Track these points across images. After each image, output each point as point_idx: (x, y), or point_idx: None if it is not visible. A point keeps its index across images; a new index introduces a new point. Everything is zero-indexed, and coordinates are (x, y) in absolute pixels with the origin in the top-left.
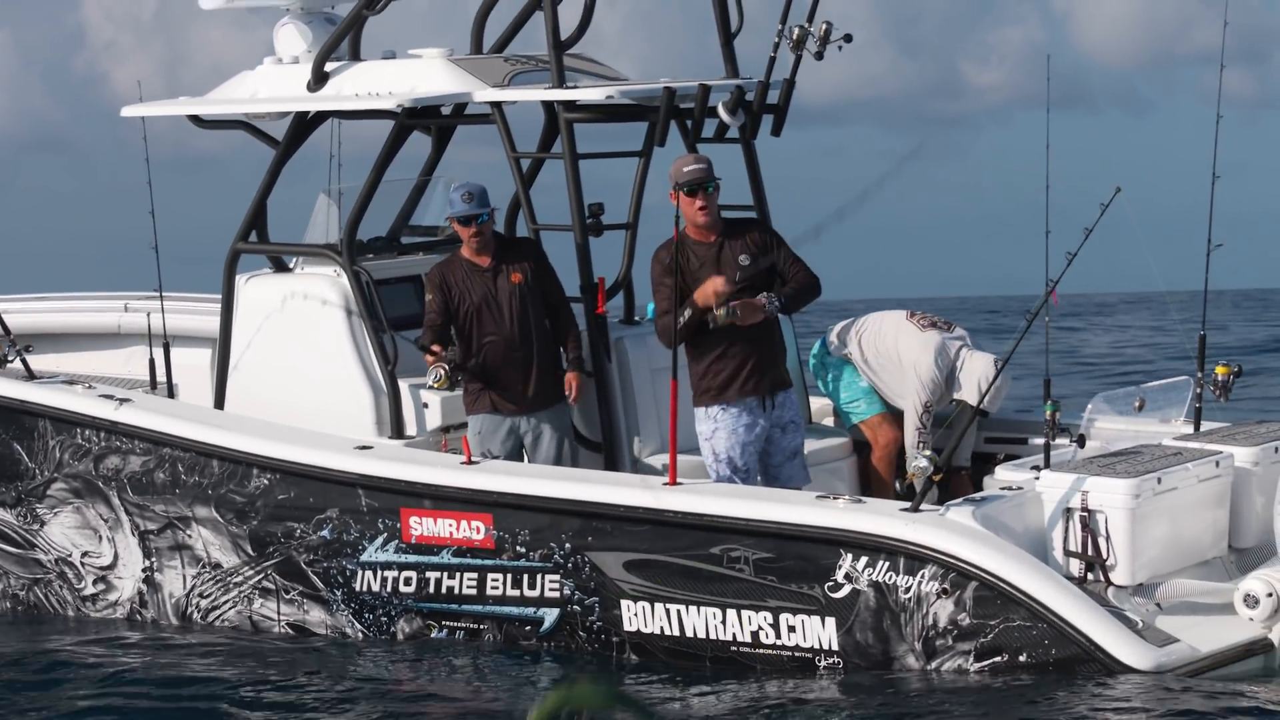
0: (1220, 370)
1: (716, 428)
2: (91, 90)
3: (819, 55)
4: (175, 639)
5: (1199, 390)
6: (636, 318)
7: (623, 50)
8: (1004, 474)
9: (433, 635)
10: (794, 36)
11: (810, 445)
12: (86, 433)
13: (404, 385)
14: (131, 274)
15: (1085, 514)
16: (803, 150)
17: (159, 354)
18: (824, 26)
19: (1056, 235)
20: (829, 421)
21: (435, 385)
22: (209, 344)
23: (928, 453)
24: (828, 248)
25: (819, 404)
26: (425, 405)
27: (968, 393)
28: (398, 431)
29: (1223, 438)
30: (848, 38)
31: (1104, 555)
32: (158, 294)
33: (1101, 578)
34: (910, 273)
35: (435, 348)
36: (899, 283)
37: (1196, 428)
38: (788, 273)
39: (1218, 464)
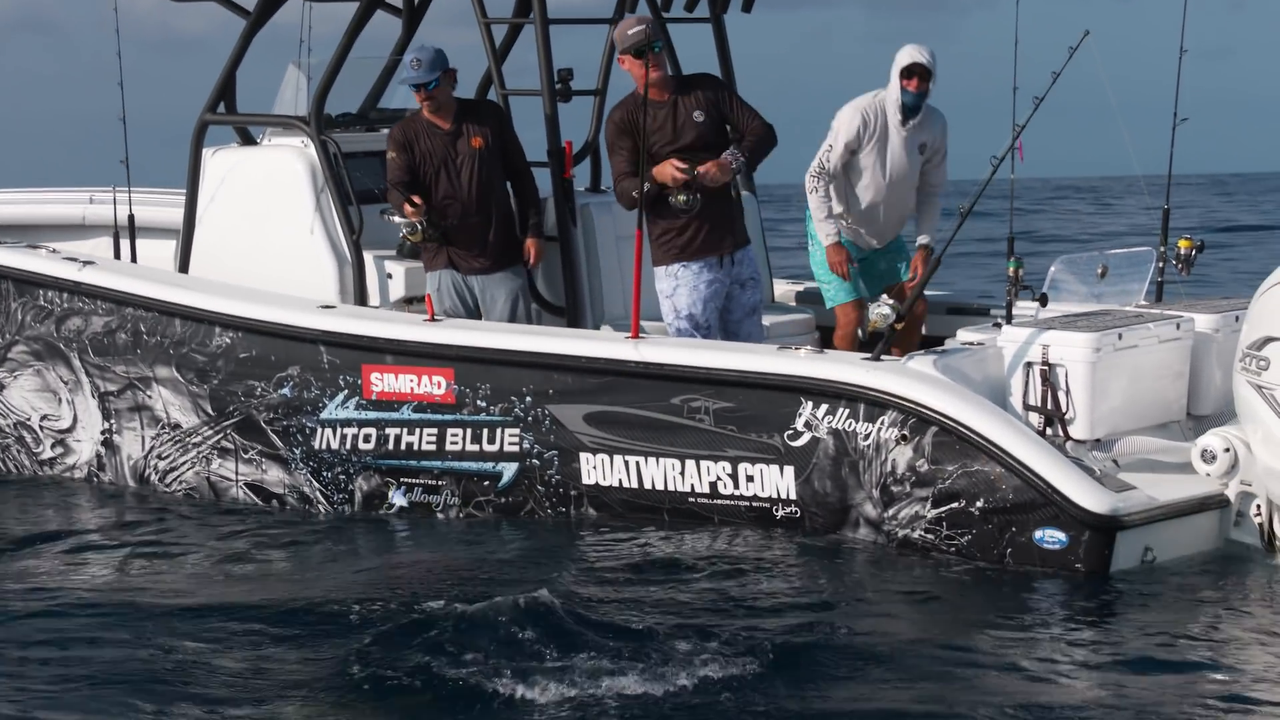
0: (1183, 244)
1: (677, 284)
2: None
3: None
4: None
5: (1161, 264)
6: (603, 186)
7: None
8: (965, 334)
9: (390, 493)
10: None
11: (771, 319)
12: (49, 294)
13: (368, 256)
14: (109, 153)
15: (1045, 368)
16: (788, 31)
17: (125, 240)
18: None
19: (1050, 117)
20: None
21: (410, 237)
22: (174, 236)
23: (890, 301)
24: (802, 129)
25: (781, 288)
26: (389, 276)
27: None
28: (361, 301)
29: (1185, 307)
30: None
31: (1063, 409)
32: (125, 188)
33: (1060, 432)
34: None
35: (416, 199)
36: None
37: (1158, 299)
38: (742, 123)
39: (1179, 326)
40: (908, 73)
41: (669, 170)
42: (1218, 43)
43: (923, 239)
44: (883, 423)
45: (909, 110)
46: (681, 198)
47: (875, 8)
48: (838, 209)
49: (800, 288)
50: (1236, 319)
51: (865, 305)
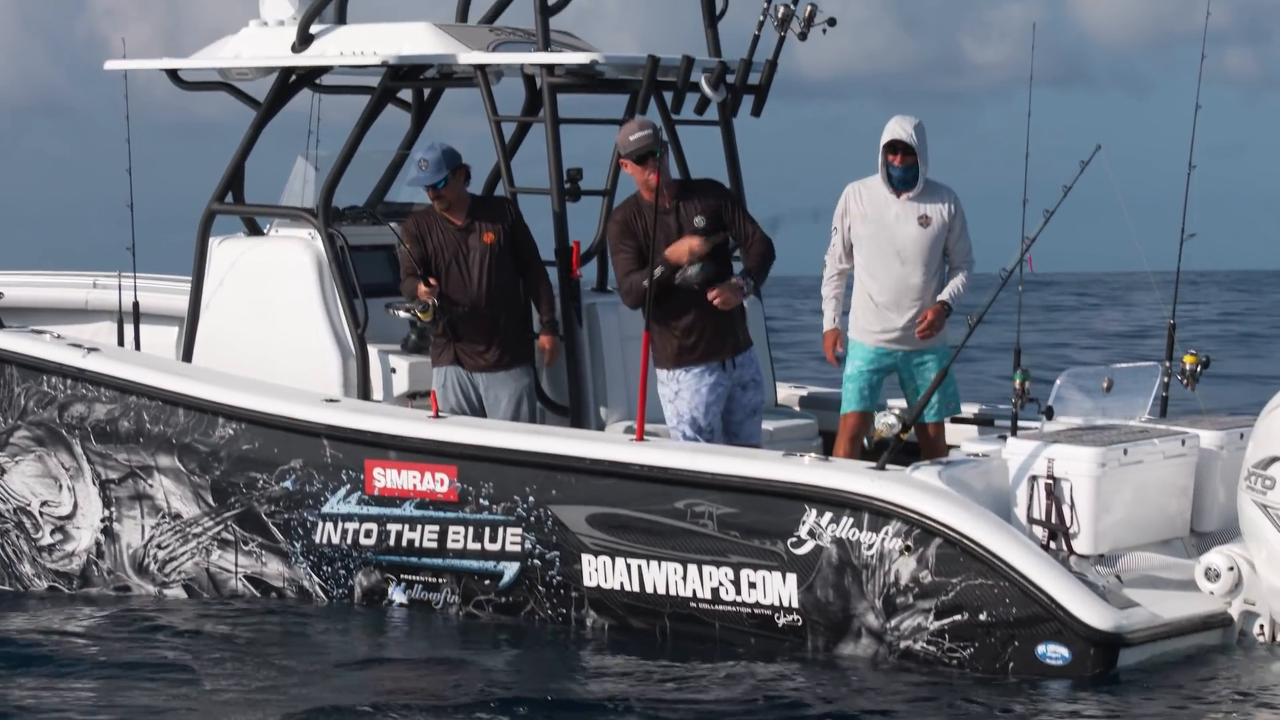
0: (1188, 359)
1: (679, 389)
2: (92, 55)
3: (803, 36)
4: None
5: (1166, 379)
6: (610, 287)
7: (621, 27)
8: (971, 445)
9: (390, 589)
10: (779, 16)
11: (773, 424)
12: (53, 380)
13: (373, 350)
14: (121, 237)
15: (1050, 481)
16: (803, 123)
17: (129, 328)
18: (808, 8)
19: (1060, 215)
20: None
21: (422, 316)
22: (177, 323)
23: (896, 410)
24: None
25: (785, 392)
26: (393, 371)
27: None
28: (365, 396)
29: (1190, 423)
30: (831, 21)
31: (1067, 523)
32: (130, 273)
33: (1064, 546)
34: None
35: (432, 280)
36: None
37: (1163, 414)
38: (743, 234)
39: (1184, 442)
40: (890, 148)
41: (685, 246)
42: (1232, 138)
43: (941, 296)
44: (887, 533)
45: (900, 183)
46: (693, 270)
47: (889, 101)
48: (858, 300)
49: (804, 392)
50: (1241, 436)
51: (868, 420)
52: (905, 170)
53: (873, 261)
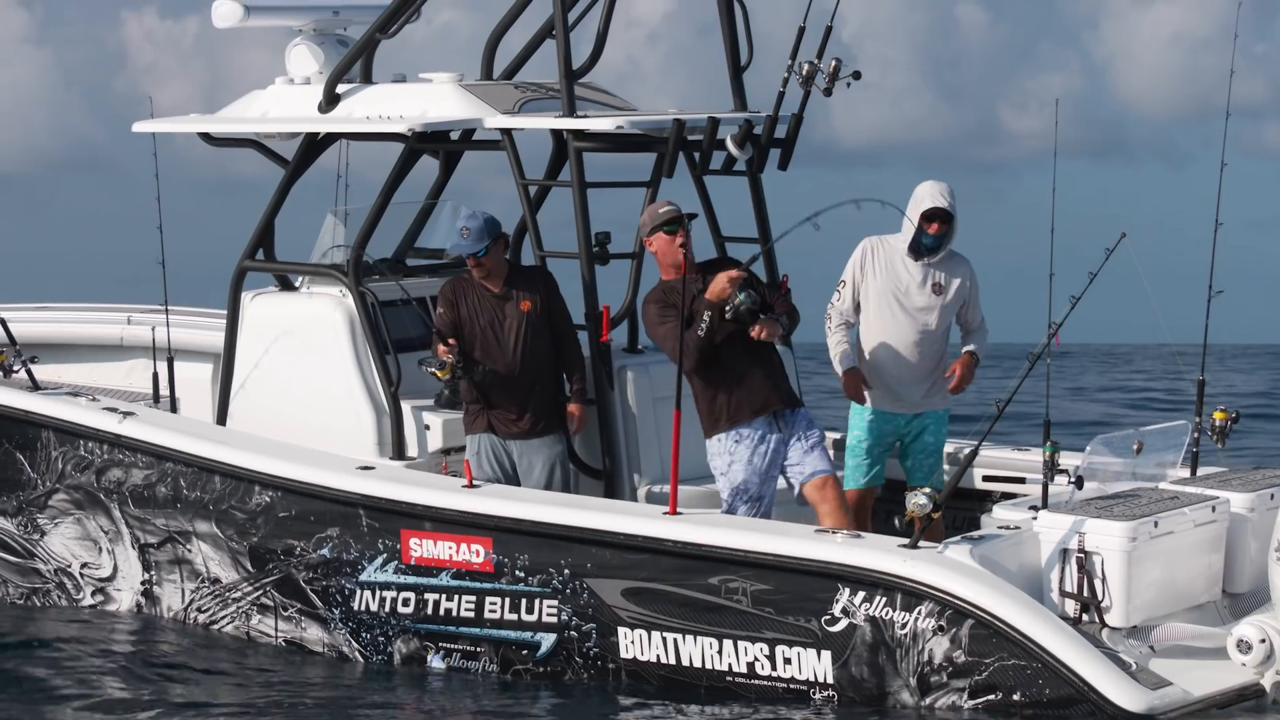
0: (1218, 415)
1: (732, 461)
2: (132, 112)
3: (828, 92)
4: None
5: (1196, 435)
6: (640, 347)
7: (662, 89)
8: (1001, 513)
9: (429, 657)
10: (804, 72)
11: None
12: (90, 445)
13: (406, 407)
14: (156, 293)
15: (1082, 555)
16: (841, 191)
17: (163, 368)
18: (834, 63)
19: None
20: None
21: (440, 373)
22: (211, 359)
23: (927, 490)
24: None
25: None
26: (427, 427)
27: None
28: (399, 452)
29: (1219, 483)
30: (856, 75)
31: (1099, 597)
32: (163, 308)
33: (1096, 619)
34: None
35: (452, 340)
36: None
37: (1193, 472)
38: (770, 297)
39: (1214, 509)
40: (928, 217)
41: (722, 280)
42: (1267, 212)
43: (969, 346)
44: (920, 612)
45: (927, 250)
46: (741, 296)
47: (927, 169)
48: (865, 361)
49: (837, 435)
50: (1271, 496)
51: (873, 494)
52: (938, 239)
53: (885, 323)
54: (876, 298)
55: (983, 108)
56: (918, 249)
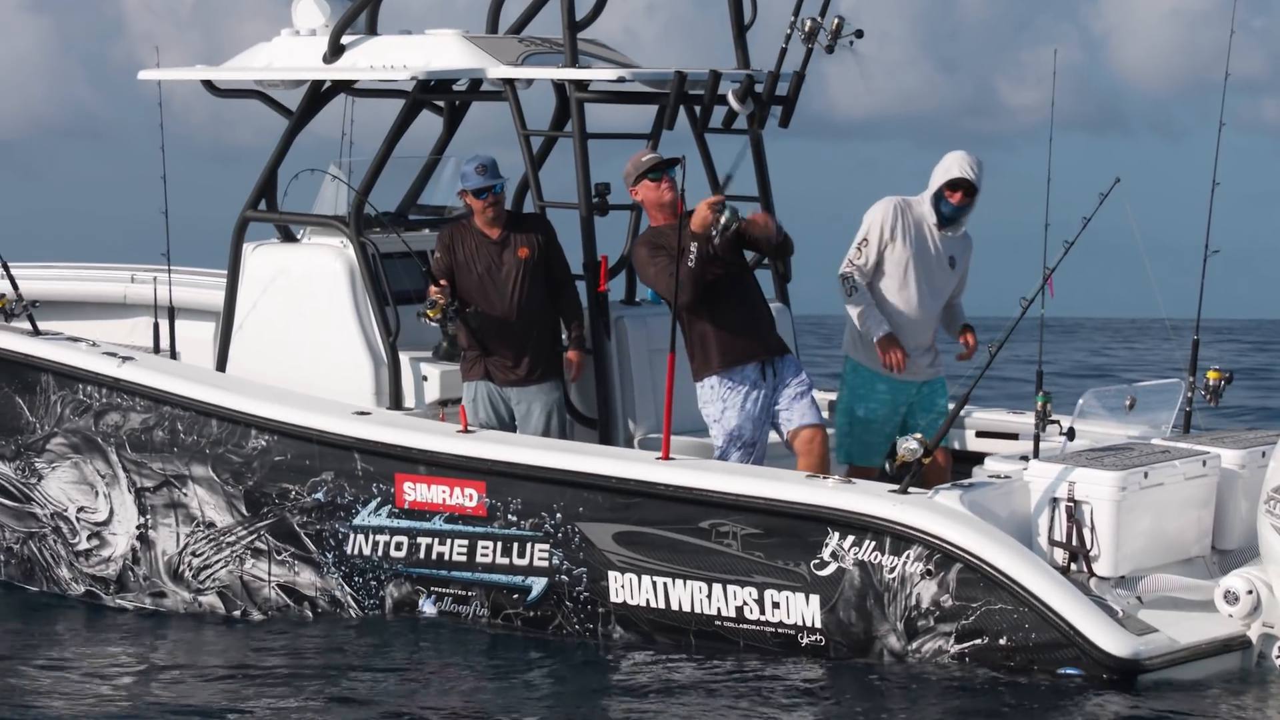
0: (1212, 375)
1: (725, 407)
2: (129, 79)
3: (830, 49)
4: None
5: (1189, 394)
6: (638, 299)
7: (660, 59)
8: (993, 465)
9: (421, 601)
10: (805, 29)
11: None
12: (88, 389)
13: (404, 358)
14: (154, 251)
15: (1071, 504)
16: (838, 162)
17: (164, 323)
18: (836, 21)
19: (1083, 257)
20: None
21: (430, 313)
22: (213, 318)
23: (917, 435)
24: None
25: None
26: (424, 379)
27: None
28: (396, 403)
29: (1212, 440)
30: (859, 33)
31: (1088, 546)
32: (165, 265)
33: (1085, 568)
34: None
35: (443, 281)
36: None
37: (1186, 430)
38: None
39: (1204, 463)
40: (953, 185)
41: (702, 208)
42: (1264, 187)
43: (963, 320)
44: (908, 556)
45: (947, 220)
46: (724, 217)
47: (923, 141)
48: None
49: (833, 395)
50: (1263, 454)
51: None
52: (959, 210)
53: (907, 291)
54: (902, 264)
55: (980, 80)
56: (939, 218)
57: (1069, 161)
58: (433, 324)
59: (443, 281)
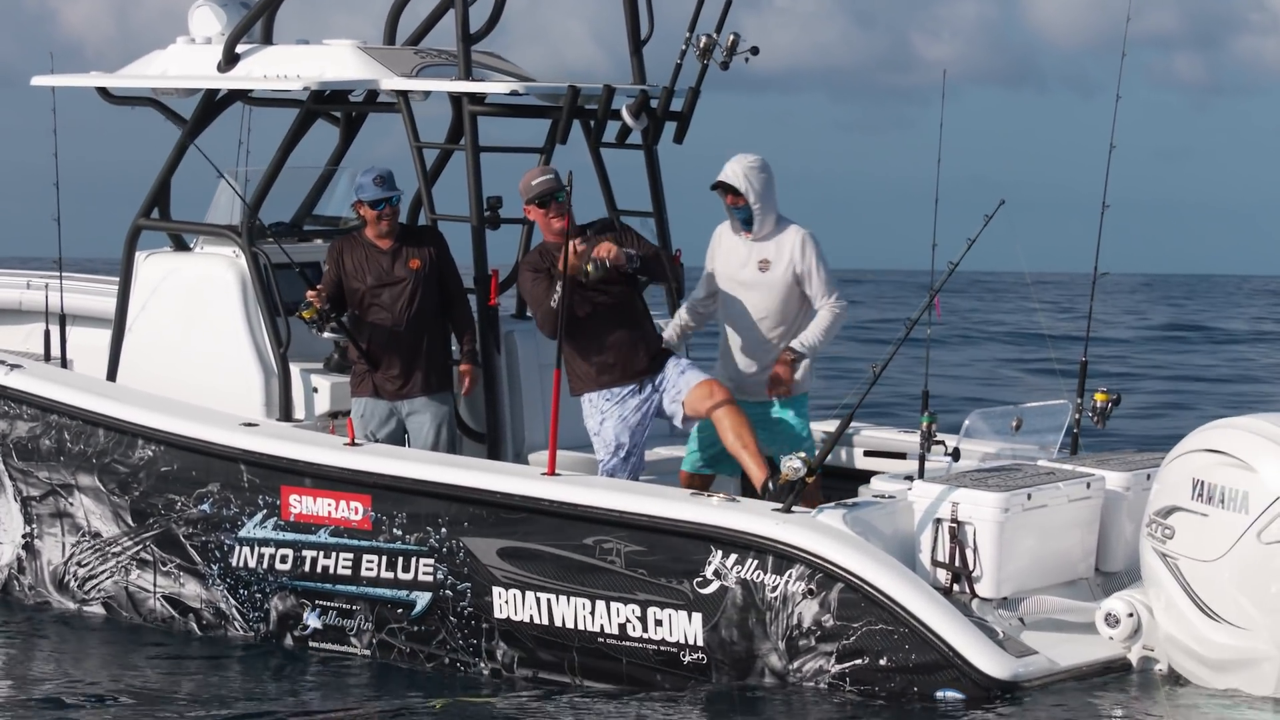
0: (1099, 397)
1: (604, 418)
2: (40, 28)
3: (724, 65)
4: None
5: (1077, 415)
6: (528, 313)
7: (599, 34)
8: (878, 484)
9: (305, 615)
10: (701, 45)
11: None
12: None
13: (295, 369)
14: (73, 211)
15: (954, 525)
16: (753, 116)
17: (55, 330)
18: (731, 37)
19: (1000, 213)
20: None
21: (303, 314)
22: (109, 325)
23: (801, 454)
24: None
25: None
26: (315, 390)
27: None
28: (286, 414)
29: (1097, 462)
30: (754, 50)
31: (970, 567)
32: (58, 271)
33: (967, 589)
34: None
35: (320, 287)
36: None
37: (1074, 451)
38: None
39: (1089, 485)
40: (717, 188)
41: (571, 256)
42: (1176, 142)
43: (792, 343)
44: (790, 575)
45: (743, 224)
46: (589, 266)
47: (840, 96)
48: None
49: None
50: (1148, 477)
51: (703, 481)
52: (738, 211)
53: (725, 306)
54: (719, 281)
55: (895, 34)
56: (733, 223)
57: (983, 115)
58: (309, 326)
59: (319, 287)
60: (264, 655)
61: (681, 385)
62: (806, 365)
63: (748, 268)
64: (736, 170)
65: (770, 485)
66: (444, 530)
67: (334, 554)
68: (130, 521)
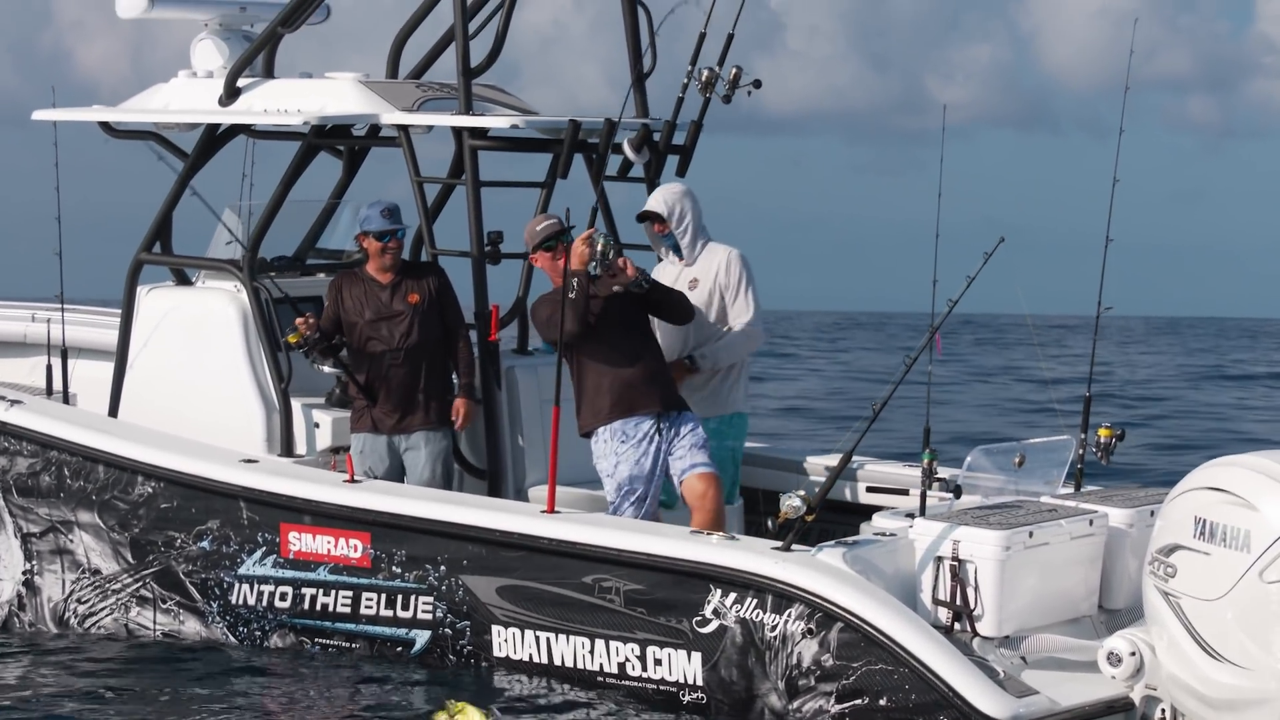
0: (1103, 432)
1: (618, 461)
2: (56, 67)
3: (727, 99)
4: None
5: (1081, 451)
6: (530, 349)
7: (588, 51)
8: (880, 521)
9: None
10: (703, 79)
11: None
12: None
13: (297, 404)
14: (77, 250)
15: (955, 563)
16: (767, 158)
17: (57, 362)
18: (734, 70)
19: (1008, 256)
20: None
21: (289, 338)
22: (112, 358)
23: (800, 492)
24: (781, 258)
25: None
26: (316, 425)
27: None
28: (287, 449)
29: (1101, 498)
30: (757, 83)
31: (971, 605)
32: (70, 305)
33: (968, 628)
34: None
35: (310, 316)
36: (830, 297)
37: (1077, 488)
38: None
39: (1091, 522)
40: (645, 220)
41: (577, 244)
42: (1189, 185)
43: (693, 352)
44: (790, 615)
45: (672, 250)
46: (600, 244)
47: (854, 139)
48: None
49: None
50: (1151, 514)
51: None
52: (665, 239)
53: (660, 329)
54: None
55: (909, 77)
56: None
57: (997, 158)
58: (294, 350)
59: (309, 316)
60: (260, 668)
61: (686, 461)
62: (738, 385)
63: (679, 288)
64: (660, 199)
65: (770, 524)
66: (443, 568)
67: (333, 591)
68: (130, 558)
